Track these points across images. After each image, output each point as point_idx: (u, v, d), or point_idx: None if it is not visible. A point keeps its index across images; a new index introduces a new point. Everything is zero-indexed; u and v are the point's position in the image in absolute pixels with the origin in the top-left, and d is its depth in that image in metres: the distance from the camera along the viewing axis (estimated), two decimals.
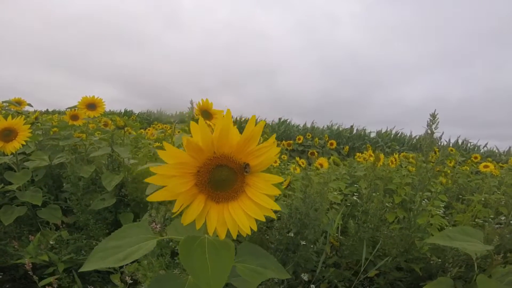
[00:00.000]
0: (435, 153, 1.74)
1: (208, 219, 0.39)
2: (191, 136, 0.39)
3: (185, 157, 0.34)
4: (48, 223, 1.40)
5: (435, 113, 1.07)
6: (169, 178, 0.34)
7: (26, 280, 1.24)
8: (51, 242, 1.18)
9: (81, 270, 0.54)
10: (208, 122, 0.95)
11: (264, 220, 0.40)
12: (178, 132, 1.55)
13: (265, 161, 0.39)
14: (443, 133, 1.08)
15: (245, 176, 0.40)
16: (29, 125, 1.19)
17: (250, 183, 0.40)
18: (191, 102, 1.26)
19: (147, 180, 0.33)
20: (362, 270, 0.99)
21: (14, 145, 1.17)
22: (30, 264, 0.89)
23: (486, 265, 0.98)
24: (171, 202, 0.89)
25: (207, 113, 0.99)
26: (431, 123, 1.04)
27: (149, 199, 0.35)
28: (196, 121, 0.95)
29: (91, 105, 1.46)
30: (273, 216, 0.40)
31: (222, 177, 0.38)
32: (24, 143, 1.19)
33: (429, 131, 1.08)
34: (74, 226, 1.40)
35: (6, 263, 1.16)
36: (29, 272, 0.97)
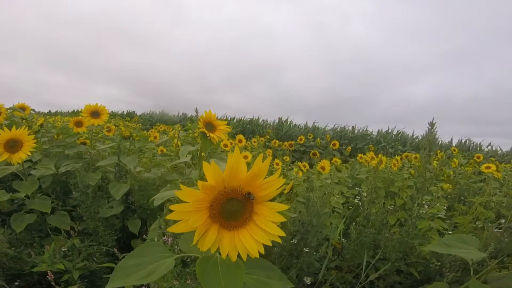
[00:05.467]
0: (436, 154, 1.78)
1: (221, 245, 0.45)
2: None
3: (200, 195, 0.40)
4: (57, 229, 1.48)
5: (433, 122, 1.12)
6: (186, 213, 0.40)
7: (40, 286, 1.33)
8: (63, 249, 1.25)
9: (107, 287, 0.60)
10: (211, 135, 1.00)
11: (270, 244, 0.46)
12: (181, 139, 1.61)
13: (271, 193, 0.45)
14: (441, 142, 1.13)
15: (253, 206, 0.46)
16: (33, 135, 1.24)
17: (258, 212, 0.46)
18: (196, 111, 1.31)
19: (168, 217, 0.39)
20: (364, 274, 1.06)
21: (20, 156, 1.23)
22: (52, 275, 0.97)
23: (482, 269, 1.05)
24: None
25: (210, 125, 1.04)
26: (430, 132, 1.09)
27: (169, 229, 0.41)
28: (202, 134, 0.99)
29: (95, 113, 1.51)
30: (279, 240, 0.46)
31: (232, 208, 0.44)
32: (30, 153, 1.24)
33: (428, 138, 1.13)
34: (83, 232, 1.48)
35: (22, 270, 1.24)
36: (52, 283, 1.05)
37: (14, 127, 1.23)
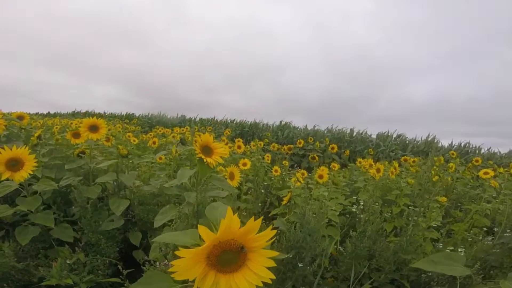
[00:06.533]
0: (434, 162, 1.85)
1: (218, 286, 0.51)
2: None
3: (196, 252, 0.46)
4: (60, 240, 1.56)
5: (437, 141, 1.17)
6: (186, 265, 0.46)
7: None
8: (68, 261, 1.34)
9: None
10: (209, 160, 1.04)
11: (262, 285, 0.52)
12: (180, 151, 1.67)
13: (262, 244, 0.51)
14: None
15: (246, 254, 0.52)
16: (34, 155, 1.30)
17: (251, 258, 0.52)
18: (193, 130, 1.36)
19: (170, 269, 0.46)
20: (352, 285, 1.14)
21: (22, 175, 1.28)
22: None
23: (469, 282, 1.13)
24: None
25: (207, 148, 1.09)
26: (431, 156, 1.14)
27: (173, 276, 0.47)
28: (199, 159, 1.03)
29: (93, 127, 1.56)
30: (270, 282, 0.53)
31: (227, 258, 0.50)
32: (32, 172, 1.30)
33: (428, 163, 1.18)
34: (86, 243, 1.57)
35: (30, 282, 1.33)
36: None
37: (14, 147, 1.28)
